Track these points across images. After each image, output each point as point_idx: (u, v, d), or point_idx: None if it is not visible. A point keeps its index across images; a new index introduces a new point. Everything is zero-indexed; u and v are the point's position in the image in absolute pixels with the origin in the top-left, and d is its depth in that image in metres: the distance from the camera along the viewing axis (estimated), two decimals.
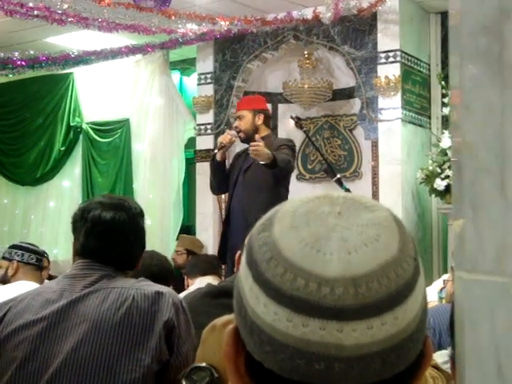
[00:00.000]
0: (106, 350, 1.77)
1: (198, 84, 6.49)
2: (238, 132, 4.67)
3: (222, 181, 4.81)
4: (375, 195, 5.58)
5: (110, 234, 1.95)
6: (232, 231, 4.69)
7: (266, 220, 0.68)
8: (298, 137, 5.93)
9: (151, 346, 1.79)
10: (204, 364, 0.88)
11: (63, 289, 1.90)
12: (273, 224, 0.66)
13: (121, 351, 1.77)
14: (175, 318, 1.83)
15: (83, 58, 6.49)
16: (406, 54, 5.65)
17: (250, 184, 4.58)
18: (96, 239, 1.95)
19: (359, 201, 0.68)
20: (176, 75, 7.51)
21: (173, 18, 5.58)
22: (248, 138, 4.58)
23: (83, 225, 1.97)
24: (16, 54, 6.16)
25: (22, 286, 3.01)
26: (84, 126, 7.36)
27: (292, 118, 4.95)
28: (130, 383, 1.44)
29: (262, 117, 4.69)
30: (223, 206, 5.78)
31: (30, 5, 5.20)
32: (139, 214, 2.04)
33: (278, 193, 4.51)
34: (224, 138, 4.72)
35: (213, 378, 0.86)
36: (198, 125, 6.47)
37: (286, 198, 4.67)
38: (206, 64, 6.41)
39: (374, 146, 5.66)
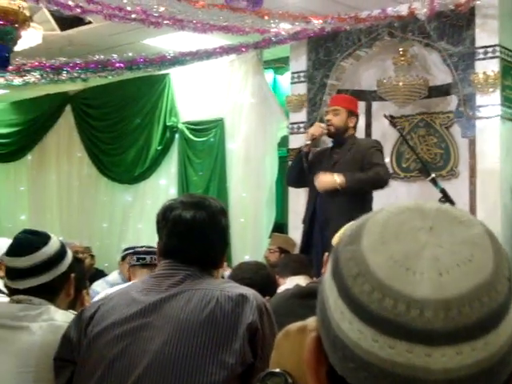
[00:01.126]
0: (190, 351, 1.77)
1: (291, 83, 6.49)
2: (329, 125, 4.77)
3: (301, 173, 4.89)
4: (472, 194, 5.42)
5: (190, 233, 1.94)
6: (315, 231, 4.72)
7: (354, 231, 0.66)
8: (392, 135, 5.84)
9: (235, 348, 1.77)
10: (278, 370, 0.88)
11: (149, 288, 1.92)
12: (361, 236, 0.64)
13: (205, 352, 1.77)
14: (259, 320, 1.81)
15: (179, 59, 6.61)
16: (505, 49, 5.45)
17: None
18: (177, 239, 1.95)
19: (452, 214, 0.64)
20: (269, 74, 7.54)
21: (266, 17, 5.59)
22: (336, 134, 4.76)
23: (165, 225, 1.97)
24: (115, 56, 6.34)
25: None
26: (180, 125, 7.50)
27: (386, 116, 4.92)
28: None
29: (353, 120, 4.88)
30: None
31: (128, 9, 5.34)
32: (220, 212, 2.01)
33: (363, 195, 4.55)
34: (316, 130, 4.82)
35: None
36: (291, 123, 6.47)
37: (371, 200, 4.67)
38: (299, 63, 6.40)
39: (472, 143, 5.50)
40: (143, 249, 4.02)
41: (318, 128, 4.84)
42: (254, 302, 1.84)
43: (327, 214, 4.58)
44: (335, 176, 4.52)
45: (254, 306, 1.83)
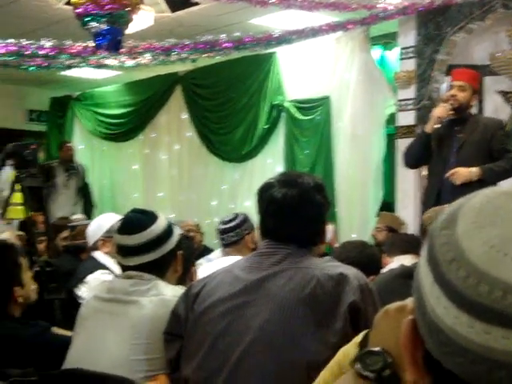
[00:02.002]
0: (291, 329, 1.79)
1: (400, 59, 6.36)
2: (453, 101, 4.62)
3: (424, 154, 4.77)
4: None
5: (281, 212, 1.94)
6: None
7: (449, 215, 0.65)
8: (505, 111, 5.62)
9: (337, 327, 1.77)
10: (378, 348, 0.88)
11: (251, 267, 1.95)
12: (456, 221, 0.63)
13: (306, 331, 1.78)
14: (361, 300, 1.80)
15: (285, 38, 6.61)
16: None
17: (464, 165, 4.48)
18: (271, 218, 1.97)
19: None
20: (377, 50, 7.41)
21: None
22: (459, 110, 4.61)
23: (261, 204, 2.00)
24: (223, 36, 6.42)
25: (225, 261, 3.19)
26: (286, 104, 7.51)
27: (499, 92, 4.76)
28: (318, 364, 1.45)
29: (475, 98, 4.76)
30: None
31: None
32: (314, 189, 1.98)
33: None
34: (441, 112, 4.67)
35: (386, 363, 0.86)
36: (399, 100, 6.35)
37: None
38: (408, 38, 6.25)
39: None
40: None
41: (443, 109, 4.68)
42: (355, 282, 1.83)
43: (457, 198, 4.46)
44: (472, 170, 4.40)
45: (355, 285, 1.82)
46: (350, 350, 1.25)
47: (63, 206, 8.24)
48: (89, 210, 8.63)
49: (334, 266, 1.90)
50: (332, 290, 1.81)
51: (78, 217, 6.63)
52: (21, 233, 4.31)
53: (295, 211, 1.94)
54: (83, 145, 9.92)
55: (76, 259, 3.96)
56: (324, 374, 1.32)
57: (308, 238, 1.99)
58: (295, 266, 1.90)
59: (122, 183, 9.52)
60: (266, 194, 1.99)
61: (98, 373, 1.69)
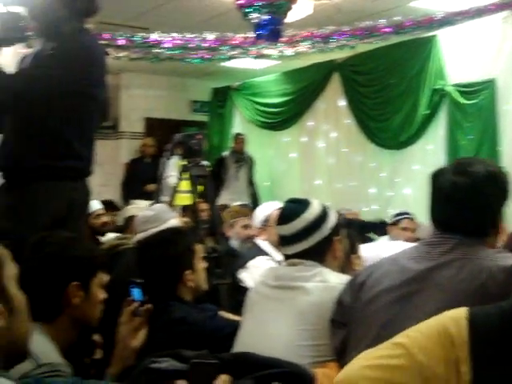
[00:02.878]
0: None
1: None
2: None
3: None
4: None
5: (449, 201, 1.88)
6: None
7: None
8: None
9: None
10: None
11: (419, 256, 1.91)
12: None
13: None
14: None
15: (448, 20, 6.38)
16: None
17: None
18: (439, 207, 1.92)
19: None
20: None
21: None
22: None
23: (431, 192, 1.95)
24: (382, 21, 6.31)
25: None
26: (448, 88, 7.27)
27: None
28: None
29: None
30: None
31: None
32: (486, 178, 1.88)
33: None
34: None
35: None
36: None
37: None
38: None
39: None
40: None
41: None
42: None
43: None
44: None
45: None
46: None
47: (232, 195, 8.58)
48: (256, 200, 8.91)
49: (505, 257, 1.82)
50: (503, 282, 1.73)
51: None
52: (186, 219, 4.49)
53: (464, 201, 1.87)
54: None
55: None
56: None
57: (478, 229, 1.91)
58: (465, 256, 1.83)
59: (280, 172, 9.66)
60: (435, 182, 1.94)
61: (269, 357, 1.72)
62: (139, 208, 5.43)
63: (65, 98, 2.44)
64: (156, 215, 3.26)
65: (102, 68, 2.58)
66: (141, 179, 9.17)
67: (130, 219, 5.20)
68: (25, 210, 2.40)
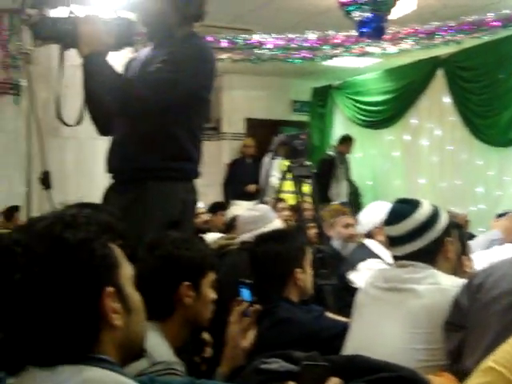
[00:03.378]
0: None
1: None
2: None
3: None
4: None
5: None
6: None
7: None
8: None
9: None
10: None
11: None
12: None
13: None
14: None
15: None
16: None
17: None
18: None
19: None
20: None
21: None
22: None
23: None
24: (490, 15, 6.10)
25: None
26: None
27: None
28: None
29: None
30: None
31: None
32: None
33: None
34: None
35: None
36: None
37: None
38: None
39: None
40: None
41: None
42: None
43: None
44: None
45: None
46: None
47: (338, 195, 8.56)
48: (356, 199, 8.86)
49: None
50: None
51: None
52: (289, 220, 4.50)
53: None
54: (343, 133, 10.09)
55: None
56: None
57: None
58: None
59: (383, 171, 9.52)
60: None
61: (380, 361, 1.69)
62: (242, 208, 5.49)
63: (181, 101, 2.48)
64: (262, 216, 3.27)
65: (214, 71, 2.62)
66: (242, 180, 9.27)
67: (233, 220, 5.27)
68: (141, 210, 2.46)
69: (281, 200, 4.69)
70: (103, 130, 2.75)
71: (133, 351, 1.25)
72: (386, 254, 3.28)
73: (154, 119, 2.47)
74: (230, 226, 5.14)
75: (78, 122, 2.62)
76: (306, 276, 2.58)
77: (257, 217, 3.28)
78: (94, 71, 2.44)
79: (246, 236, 3.25)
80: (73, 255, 1.09)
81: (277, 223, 3.30)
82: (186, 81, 2.46)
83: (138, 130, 2.52)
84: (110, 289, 1.14)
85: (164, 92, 2.42)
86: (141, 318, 1.26)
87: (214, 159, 10.11)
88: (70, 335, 1.09)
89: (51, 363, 1.08)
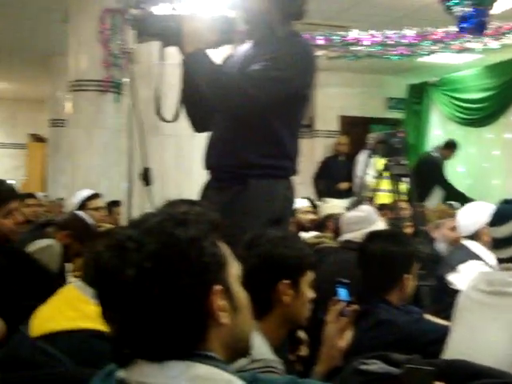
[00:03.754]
0: None
1: None
2: None
3: None
4: None
5: None
6: None
7: None
8: None
9: None
10: None
11: None
12: None
13: None
14: None
15: None
16: None
17: None
18: None
19: None
20: None
21: None
22: None
23: None
24: None
25: None
26: None
27: None
28: None
29: None
30: None
31: None
32: None
33: None
34: None
35: None
36: None
37: None
38: None
39: None
40: None
41: None
42: None
43: None
44: None
45: None
46: None
47: (436, 195, 8.38)
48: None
49: None
50: None
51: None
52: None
53: None
54: (440, 131, 9.87)
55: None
56: None
57: None
58: None
59: (483, 169, 9.25)
60: None
61: (484, 366, 1.64)
62: (335, 207, 5.46)
63: (286, 99, 2.48)
64: (366, 217, 3.23)
65: (315, 69, 2.60)
66: (334, 177, 9.21)
67: (327, 218, 5.24)
68: (242, 208, 2.46)
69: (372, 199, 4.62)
70: (199, 127, 2.77)
71: (239, 349, 1.26)
72: (488, 256, 3.18)
73: (257, 116, 2.47)
74: (321, 225, 5.12)
75: (175, 119, 2.66)
76: (411, 283, 2.54)
77: (361, 217, 3.24)
78: (198, 69, 2.46)
79: (349, 236, 3.22)
80: (183, 252, 1.11)
81: (380, 225, 3.25)
82: (291, 79, 2.46)
83: (239, 127, 2.52)
84: (218, 287, 1.15)
85: (270, 90, 2.42)
86: (247, 316, 1.27)
87: (307, 157, 10.07)
88: (178, 331, 1.11)
89: (160, 358, 1.10)
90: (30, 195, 6.78)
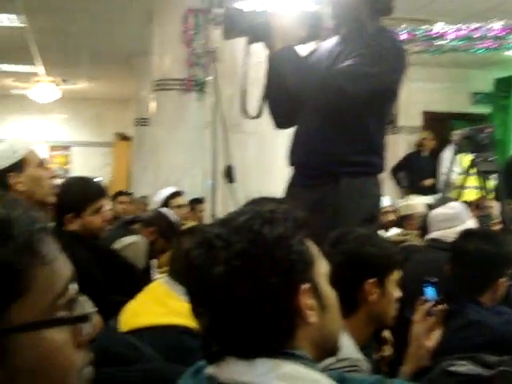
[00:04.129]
0: None
1: None
2: None
3: None
4: None
5: None
6: None
7: None
8: None
9: None
10: None
11: None
12: None
13: None
14: None
15: None
16: None
17: None
18: None
19: None
20: None
21: None
22: None
23: None
24: None
25: None
26: None
27: None
28: None
29: None
30: None
31: None
32: None
33: None
34: None
35: None
36: None
37: None
38: None
39: None
40: None
41: None
42: None
43: None
44: None
45: None
46: None
47: None
48: None
49: None
50: None
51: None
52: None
53: None
54: None
55: None
56: None
57: None
58: None
59: None
60: None
61: None
62: (416, 205, 5.35)
63: (379, 95, 2.46)
64: (455, 214, 3.11)
65: (405, 65, 2.57)
66: (417, 173, 9.02)
67: (405, 218, 5.15)
68: (333, 207, 2.44)
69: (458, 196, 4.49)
70: (283, 124, 2.76)
71: (327, 348, 1.25)
72: None
73: (349, 112, 2.45)
74: (399, 224, 5.04)
75: (259, 115, 2.66)
76: (505, 285, 2.46)
77: (450, 215, 3.11)
78: (287, 65, 2.46)
79: (436, 234, 3.11)
80: (271, 251, 1.10)
81: (471, 224, 3.12)
82: (384, 75, 2.43)
83: (330, 123, 2.50)
84: (306, 285, 1.14)
85: (364, 86, 2.40)
86: (336, 315, 1.25)
87: (390, 153, 9.90)
88: (266, 329, 1.11)
89: (249, 355, 1.10)
90: (122, 193, 6.97)
